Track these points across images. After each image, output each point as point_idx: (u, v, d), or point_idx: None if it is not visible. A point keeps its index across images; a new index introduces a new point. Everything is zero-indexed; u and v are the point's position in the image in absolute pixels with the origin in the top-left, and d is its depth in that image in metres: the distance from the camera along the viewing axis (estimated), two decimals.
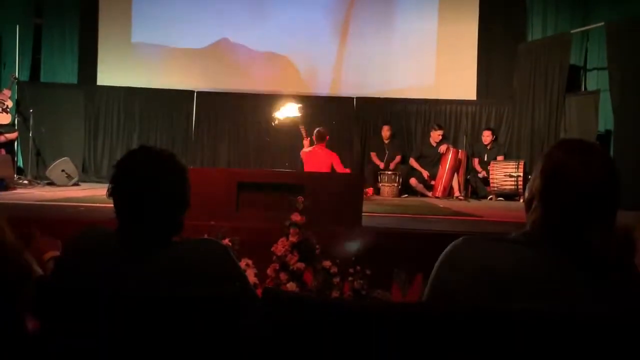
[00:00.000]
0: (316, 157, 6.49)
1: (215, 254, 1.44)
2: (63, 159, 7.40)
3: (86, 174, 8.23)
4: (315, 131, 6.62)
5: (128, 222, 1.39)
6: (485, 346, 1.13)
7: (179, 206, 1.42)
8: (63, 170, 7.24)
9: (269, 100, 8.33)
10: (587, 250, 1.11)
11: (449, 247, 1.24)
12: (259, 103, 8.30)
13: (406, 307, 1.29)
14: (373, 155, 8.11)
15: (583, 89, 7.76)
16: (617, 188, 1.12)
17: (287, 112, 6.73)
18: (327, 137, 6.65)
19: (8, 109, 7.26)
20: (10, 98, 7.36)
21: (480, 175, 7.75)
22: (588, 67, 7.78)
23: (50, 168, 7.26)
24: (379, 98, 8.48)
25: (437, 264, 1.25)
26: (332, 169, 6.48)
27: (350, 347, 1.20)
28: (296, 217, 3.24)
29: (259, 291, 1.61)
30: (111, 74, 8.62)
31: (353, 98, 8.45)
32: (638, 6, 6.75)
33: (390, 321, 1.20)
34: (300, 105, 6.77)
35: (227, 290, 1.42)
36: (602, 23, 6.94)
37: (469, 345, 1.15)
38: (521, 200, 7.26)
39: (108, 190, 1.40)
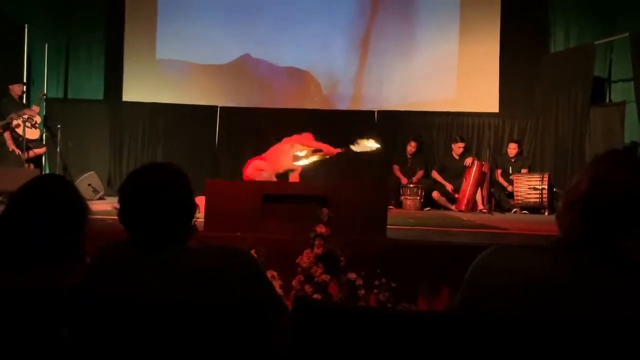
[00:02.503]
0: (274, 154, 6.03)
1: (241, 261, 1.46)
2: (89, 173, 7.53)
3: (112, 188, 8.34)
4: None
5: (138, 232, 1.43)
6: (518, 354, 1.12)
7: (181, 212, 1.45)
8: (89, 185, 7.36)
9: (290, 114, 8.40)
10: (626, 257, 1.10)
11: (480, 256, 1.24)
12: (281, 117, 8.37)
13: (439, 315, 1.29)
14: (396, 168, 8.08)
15: (608, 101, 7.66)
16: None
17: (364, 147, 6.29)
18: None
19: (37, 125, 7.42)
20: (38, 114, 7.53)
21: (509, 189, 7.67)
22: (613, 78, 7.69)
23: (76, 182, 7.38)
24: (400, 111, 8.48)
25: (468, 272, 1.25)
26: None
27: (383, 355, 1.20)
28: (321, 228, 3.25)
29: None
30: (136, 90, 8.78)
31: (374, 111, 8.46)
32: None
33: (423, 329, 1.20)
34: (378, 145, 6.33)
35: (255, 297, 1.43)
36: (627, 34, 6.88)
37: (502, 353, 1.14)
38: (546, 214, 7.18)
39: (118, 214, 1.45)
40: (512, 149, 7.89)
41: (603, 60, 7.69)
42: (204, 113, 8.58)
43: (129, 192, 1.46)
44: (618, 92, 7.54)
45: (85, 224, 1.62)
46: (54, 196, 1.56)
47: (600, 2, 7.86)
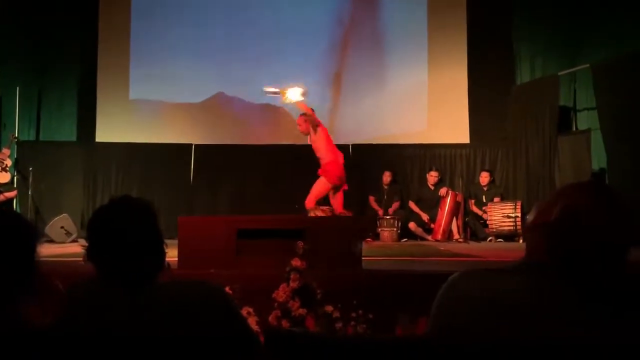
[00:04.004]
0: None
1: (211, 296, 1.44)
2: (62, 215, 7.42)
3: (85, 229, 8.21)
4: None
5: (107, 269, 1.42)
6: None
7: (149, 246, 1.45)
8: (62, 227, 7.24)
9: (265, 150, 8.45)
10: (595, 280, 1.13)
11: (446, 283, 1.25)
12: (255, 153, 8.42)
13: (413, 341, 1.30)
14: (372, 200, 8.14)
15: (574, 129, 7.89)
16: (628, 229, 1.16)
17: (292, 96, 6.48)
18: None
19: (7, 168, 7.33)
20: (9, 157, 7.44)
21: (484, 217, 7.76)
22: (578, 107, 7.93)
23: (49, 225, 7.26)
24: (374, 144, 8.59)
25: (436, 300, 1.26)
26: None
27: None
28: (296, 262, 3.25)
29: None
30: (110, 130, 8.73)
31: (349, 145, 8.54)
32: (621, 47, 6.96)
33: (397, 355, 1.21)
34: (303, 90, 6.51)
35: (227, 332, 1.42)
36: (588, 65, 7.14)
37: None
38: (520, 241, 7.26)
39: (86, 251, 1.44)
40: (484, 178, 8.03)
41: (568, 90, 7.94)
42: (178, 151, 8.57)
43: (96, 228, 1.45)
44: (583, 120, 7.77)
45: (34, 254, 1.55)
46: None
47: (562, 34, 8.15)
